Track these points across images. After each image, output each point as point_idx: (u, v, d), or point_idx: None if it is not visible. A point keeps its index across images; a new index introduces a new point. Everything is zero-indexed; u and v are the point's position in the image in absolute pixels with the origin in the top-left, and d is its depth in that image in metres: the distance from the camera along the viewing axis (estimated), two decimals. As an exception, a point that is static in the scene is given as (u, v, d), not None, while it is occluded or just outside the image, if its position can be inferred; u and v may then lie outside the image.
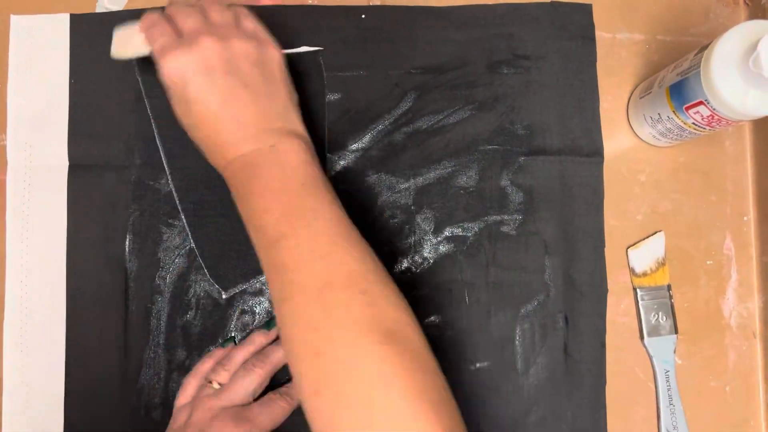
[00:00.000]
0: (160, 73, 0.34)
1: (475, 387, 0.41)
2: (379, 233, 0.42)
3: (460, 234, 0.42)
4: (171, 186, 0.41)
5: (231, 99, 0.33)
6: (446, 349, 0.41)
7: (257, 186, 0.32)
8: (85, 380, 0.40)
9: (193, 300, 0.41)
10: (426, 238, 0.42)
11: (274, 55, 0.35)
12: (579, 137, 0.43)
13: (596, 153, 0.43)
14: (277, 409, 0.38)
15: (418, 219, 0.42)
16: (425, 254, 0.42)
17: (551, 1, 0.44)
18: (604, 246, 0.42)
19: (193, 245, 0.41)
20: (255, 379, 0.38)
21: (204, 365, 0.40)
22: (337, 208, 0.32)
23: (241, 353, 0.39)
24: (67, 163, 0.42)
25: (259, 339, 0.40)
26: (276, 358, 0.39)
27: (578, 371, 0.41)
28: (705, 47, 0.34)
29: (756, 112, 0.33)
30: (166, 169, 0.41)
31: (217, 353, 0.40)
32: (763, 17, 0.43)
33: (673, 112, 0.38)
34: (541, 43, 0.43)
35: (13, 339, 0.41)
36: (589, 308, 0.42)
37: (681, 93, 0.36)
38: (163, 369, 0.41)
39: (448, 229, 0.42)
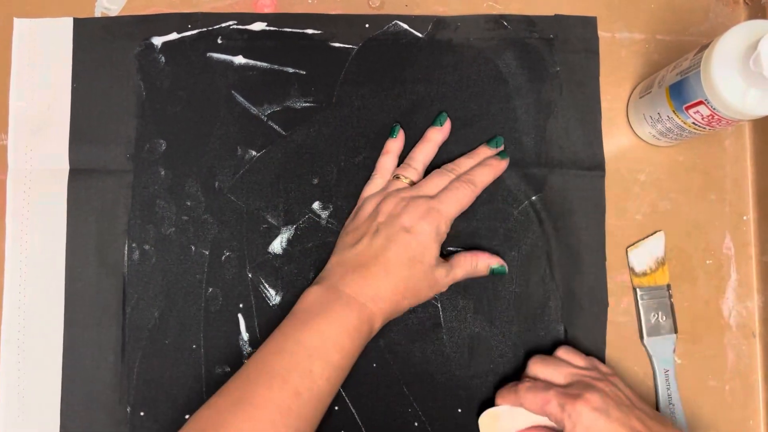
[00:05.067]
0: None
1: (475, 397, 0.41)
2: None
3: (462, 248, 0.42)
4: None
5: None
6: (447, 360, 0.41)
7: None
8: (81, 385, 0.40)
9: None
10: None
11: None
12: (580, 150, 0.43)
13: (598, 167, 0.43)
14: (462, 196, 0.38)
15: None
16: None
17: (555, 15, 0.43)
18: (605, 260, 0.42)
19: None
20: (447, 181, 0.38)
21: (384, 161, 0.41)
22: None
23: (420, 151, 0.40)
24: (67, 167, 0.42)
25: (433, 135, 0.41)
26: (472, 171, 0.39)
27: None
28: (705, 47, 0.34)
29: (756, 112, 0.33)
30: None
31: (389, 146, 0.41)
32: (763, 17, 0.43)
33: (673, 111, 0.38)
34: None
35: (11, 342, 0.41)
36: (589, 321, 0.41)
37: (681, 92, 0.36)
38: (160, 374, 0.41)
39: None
